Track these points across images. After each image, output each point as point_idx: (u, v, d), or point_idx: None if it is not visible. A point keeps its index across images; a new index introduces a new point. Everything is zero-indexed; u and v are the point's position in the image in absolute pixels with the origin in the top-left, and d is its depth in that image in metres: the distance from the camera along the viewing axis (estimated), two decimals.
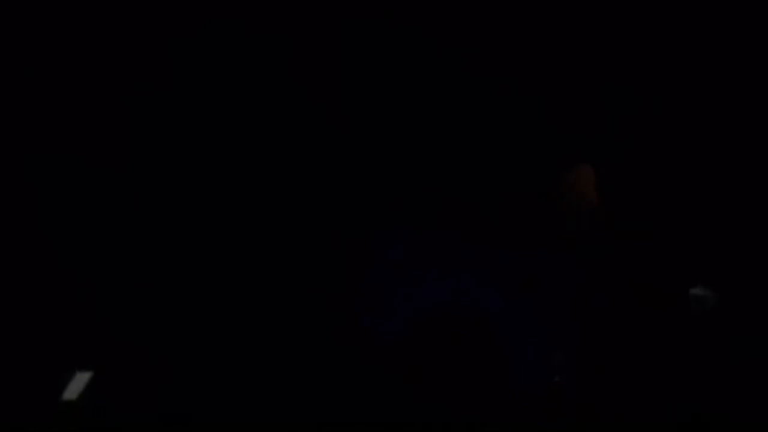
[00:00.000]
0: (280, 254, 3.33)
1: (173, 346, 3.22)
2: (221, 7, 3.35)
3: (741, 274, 3.20)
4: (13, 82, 3.34)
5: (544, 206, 3.26)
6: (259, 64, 3.40)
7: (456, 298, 3.27)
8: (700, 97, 3.28)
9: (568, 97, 3.35)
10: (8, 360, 3.12)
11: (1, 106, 3.35)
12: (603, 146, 3.34)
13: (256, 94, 3.43)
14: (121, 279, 3.28)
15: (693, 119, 3.29)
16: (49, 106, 3.37)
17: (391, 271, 3.30)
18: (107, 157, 3.33)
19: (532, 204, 3.26)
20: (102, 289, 3.27)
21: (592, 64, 3.32)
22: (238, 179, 3.41)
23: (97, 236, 3.35)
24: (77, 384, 3.06)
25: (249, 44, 3.40)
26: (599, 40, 3.33)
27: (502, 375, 3.16)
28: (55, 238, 3.32)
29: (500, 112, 3.36)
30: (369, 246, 3.33)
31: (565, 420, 3.05)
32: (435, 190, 3.36)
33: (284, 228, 3.37)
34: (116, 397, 3.10)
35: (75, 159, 3.35)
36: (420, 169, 3.39)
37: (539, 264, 3.25)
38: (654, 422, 3.00)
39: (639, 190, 3.32)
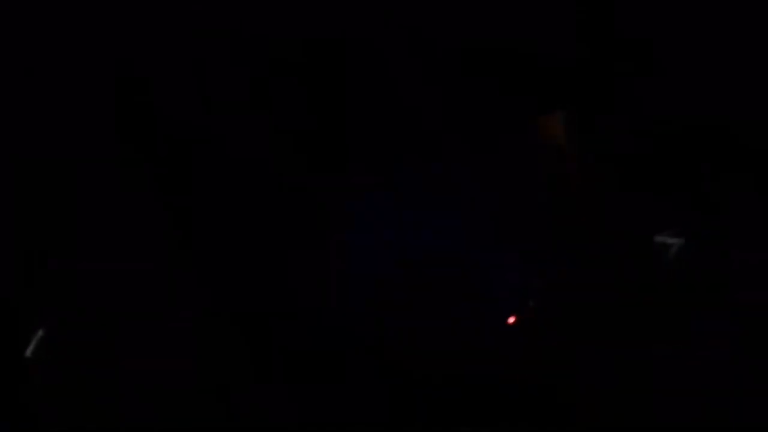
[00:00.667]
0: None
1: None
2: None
3: (707, 222, 3.20)
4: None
5: (515, 150, 3.30)
6: None
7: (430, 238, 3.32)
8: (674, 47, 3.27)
9: (540, 44, 3.36)
10: None
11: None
12: (574, 92, 3.36)
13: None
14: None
15: (669, 67, 3.28)
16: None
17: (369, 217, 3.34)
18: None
19: (504, 148, 3.30)
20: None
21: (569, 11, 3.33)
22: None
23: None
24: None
25: None
26: None
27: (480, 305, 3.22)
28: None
29: (474, 60, 3.37)
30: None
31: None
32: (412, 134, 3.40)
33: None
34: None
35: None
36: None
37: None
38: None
39: (607, 137, 3.33)
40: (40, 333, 3.11)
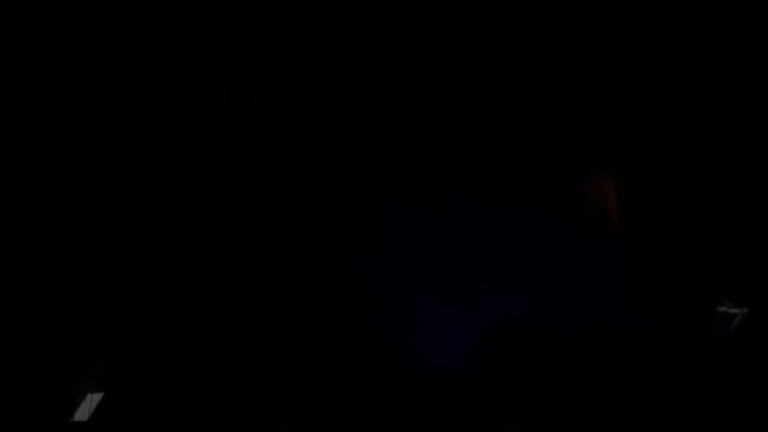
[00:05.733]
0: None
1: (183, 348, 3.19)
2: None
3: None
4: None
5: (565, 214, 3.26)
6: None
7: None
8: (724, 118, 3.25)
9: (589, 108, 3.34)
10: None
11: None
12: (625, 158, 3.31)
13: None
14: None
15: (718, 138, 3.25)
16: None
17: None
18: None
19: (553, 212, 3.26)
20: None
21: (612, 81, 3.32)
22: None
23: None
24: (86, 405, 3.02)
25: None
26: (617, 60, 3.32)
27: None
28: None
29: (524, 125, 3.36)
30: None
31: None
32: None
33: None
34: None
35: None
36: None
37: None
38: None
39: (662, 204, 3.27)
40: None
